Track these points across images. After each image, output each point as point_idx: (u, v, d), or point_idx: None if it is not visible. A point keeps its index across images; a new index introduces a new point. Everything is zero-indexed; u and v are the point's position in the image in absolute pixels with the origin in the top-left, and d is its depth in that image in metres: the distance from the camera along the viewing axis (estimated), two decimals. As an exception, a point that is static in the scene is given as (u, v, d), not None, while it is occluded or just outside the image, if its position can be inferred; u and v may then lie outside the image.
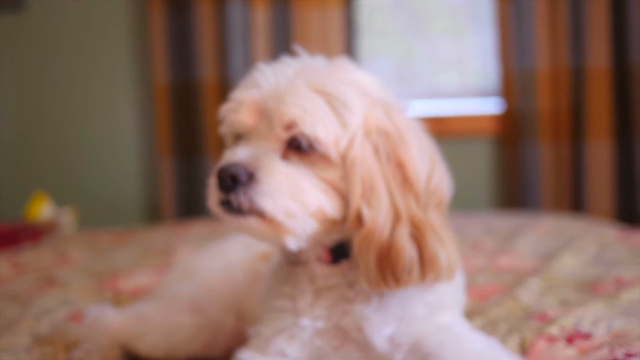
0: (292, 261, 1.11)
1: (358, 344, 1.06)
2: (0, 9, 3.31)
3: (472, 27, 3.40)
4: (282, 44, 3.11)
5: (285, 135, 1.01)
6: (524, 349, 1.21)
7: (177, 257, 2.04)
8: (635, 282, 1.52)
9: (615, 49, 2.97)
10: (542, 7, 3.02)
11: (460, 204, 3.19)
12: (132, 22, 3.29)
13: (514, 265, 1.84)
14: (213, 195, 1.02)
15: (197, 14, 3.10)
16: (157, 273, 1.92)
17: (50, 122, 3.33)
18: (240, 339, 1.25)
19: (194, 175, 3.14)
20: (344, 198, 1.02)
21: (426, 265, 1.00)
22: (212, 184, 1.02)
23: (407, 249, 0.99)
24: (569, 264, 1.78)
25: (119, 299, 1.70)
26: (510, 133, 3.12)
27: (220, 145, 3.06)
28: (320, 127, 1.00)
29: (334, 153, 1.01)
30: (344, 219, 1.03)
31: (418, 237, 1.00)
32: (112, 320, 1.36)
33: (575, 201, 3.04)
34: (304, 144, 1.00)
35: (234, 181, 0.98)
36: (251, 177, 0.98)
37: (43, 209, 2.94)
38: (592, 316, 1.27)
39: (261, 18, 3.09)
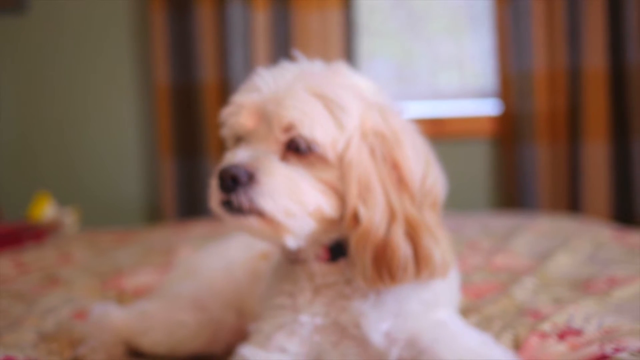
0: (292, 259, 1.14)
1: (356, 339, 1.09)
2: (2, 10, 3.34)
3: (470, 28, 3.43)
4: (282, 46, 3.14)
5: (284, 138, 1.05)
6: (517, 345, 1.24)
7: (179, 257, 2.07)
8: (627, 280, 1.55)
9: (612, 51, 3.00)
10: (539, 8, 3.04)
11: (459, 204, 3.23)
12: (134, 24, 3.31)
13: (509, 265, 1.87)
14: (214, 196, 1.05)
15: (198, 15, 3.12)
16: (159, 272, 1.95)
17: (53, 123, 3.36)
18: (241, 336, 1.27)
19: (194, 175, 3.17)
20: (341, 198, 1.05)
21: (421, 263, 1.03)
22: (213, 184, 1.05)
23: (402, 247, 1.02)
24: (564, 263, 1.82)
25: (122, 298, 1.73)
26: (508, 134, 3.15)
27: (221, 146, 3.09)
28: (317, 129, 1.03)
29: (331, 154, 1.04)
30: (342, 218, 1.06)
31: (413, 235, 1.03)
32: (116, 318, 1.39)
33: (572, 201, 3.06)
34: (302, 145, 1.04)
35: (235, 182, 1.02)
36: (251, 178, 1.02)
37: (46, 209, 2.96)
38: (584, 313, 1.30)
39: (261, 20, 3.12)
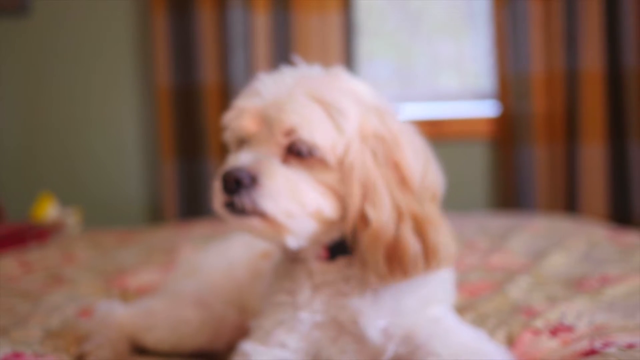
0: (292, 258, 1.18)
1: (354, 335, 1.13)
2: (5, 13, 3.37)
3: (468, 31, 3.46)
4: (282, 48, 3.16)
5: (285, 141, 1.08)
6: (510, 341, 1.28)
7: (181, 256, 2.10)
8: (619, 279, 1.59)
9: (609, 53, 3.02)
10: (537, 11, 3.07)
11: (457, 205, 3.26)
12: (135, 26, 3.35)
13: (505, 264, 1.91)
14: (217, 198, 1.09)
15: (199, 18, 3.14)
16: (162, 271, 1.99)
17: (55, 125, 3.39)
18: (242, 332, 1.30)
19: (195, 176, 3.19)
20: (341, 200, 1.09)
21: (429, 256, 1.07)
22: (216, 187, 1.09)
23: (412, 244, 1.06)
24: (558, 262, 1.85)
25: (126, 296, 1.77)
26: (506, 135, 3.17)
27: (222, 148, 3.12)
28: (317, 133, 1.07)
29: (331, 158, 1.08)
30: (341, 219, 1.10)
31: (420, 231, 1.07)
32: (120, 315, 1.43)
33: (569, 202, 3.08)
34: (303, 149, 1.07)
35: (238, 184, 1.05)
36: (254, 180, 1.05)
37: (49, 210, 2.99)
38: (576, 310, 1.34)
39: (262, 22, 3.14)
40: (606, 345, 1.10)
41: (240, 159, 1.08)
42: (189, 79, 3.18)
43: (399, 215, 1.07)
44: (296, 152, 1.08)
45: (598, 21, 3.00)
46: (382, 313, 1.11)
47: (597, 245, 2.05)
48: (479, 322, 1.38)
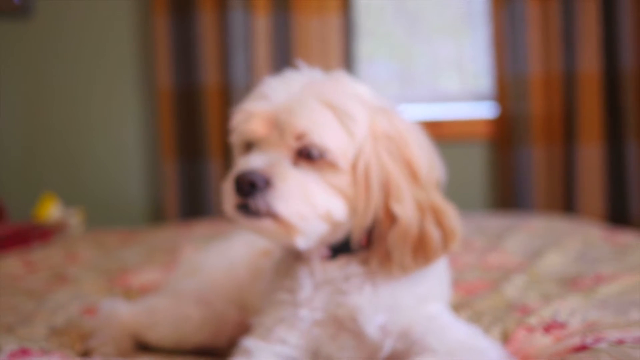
0: (294, 257, 1.21)
1: (352, 332, 1.16)
2: (8, 16, 3.40)
3: (467, 32, 3.49)
4: (283, 50, 3.19)
5: (296, 145, 1.11)
6: (505, 338, 1.31)
7: (182, 255, 2.13)
8: (612, 277, 1.62)
9: (606, 55, 3.05)
10: (535, 13, 3.10)
11: (456, 205, 3.25)
12: (136, 28, 3.37)
13: (502, 263, 1.94)
14: (229, 199, 1.11)
15: (200, 20, 3.16)
16: (163, 270, 2.02)
17: (57, 126, 3.41)
18: (243, 330, 1.33)
19: (196, 177, 3.21)
20: (349, 202, 1.12)
21: (448, 240, 1.13)
22: (228, 189, 1.11)
23: (435, 234, 1.12)
24: (554, 262, 1.88)
25: (129, 294, 1.79)
26: (504, 136, 3.19)
27: (223, 149, 3.15)
28: (329, 137, 1.10)
29: (341, 161, 1.11)
30: (348, 220, 1.13)
31: (438, 219, 1.13)
32: (124, 313, 1.46)
33: (567, 202, 3.11)
34: (315, 152, 1.10)
35: (252, 187, 1.08)
36: (267, 183, 1.08)
37: (51, 210, 3.02)
38: (569, 308, 1.37)
39: (262, 24, 3.16)
40: (597, 341, 1.13)
41: (252, 162, 1.11)
42: (190, 81, 3.20)
43: (420, 209, 1.12)
44: (306, 155, 1.11)
45: (595, 23, 3.03)
46: (380, 310, 1.15)
47: (592, 245, 2.08)
48: (475, 319, 1.41)
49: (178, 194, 3.23)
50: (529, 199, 3.14)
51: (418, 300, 1.17)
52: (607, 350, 1.07)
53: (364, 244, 1.16)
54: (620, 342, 1.10)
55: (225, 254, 1.54)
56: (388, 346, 1.15)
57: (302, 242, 1.12)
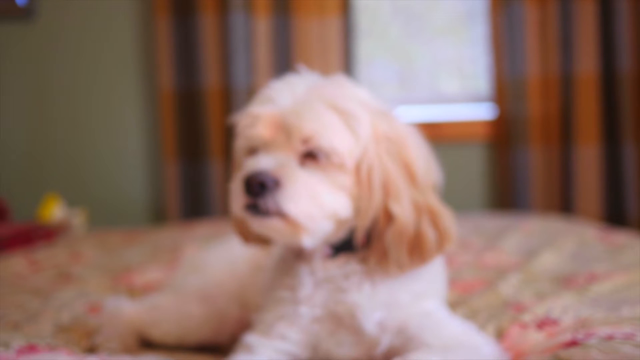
0: (296, 255, 1.24)
1: (351, 328, 1.19)
2: (11, 18, 3.43)
3: (466, 35, 3.52)
4: (283, 52, 3.21)
5: (302, 147, 1.14)
6: (499, 334, 1.35)
7: (185, 255, 2.16)
8: (605, 276, 1.65)
9: (603, 57, 3.07)
10: (533, 16, 3.11)
11: (455, 206, 3.26)
12: (139, 31, 3.40)
13: (498, 262, 1.97)
14: (238, 199, 1.15)
15: (201, 23, 3.18)
16: (166, 269, 2.05)
17: (60, 128, 3.44)
18: (244, 326, 1.36)
19: (198, 178, 3.23)
20: (354, 201, 1.16)
21: (443, 241, 1.17)
22: (237, 189, 1.15)
23: (430, 235, 1.16)
24: (549, 261, 1.92)
25: (132, 292, 1.82)
26: (503, 137, 3.21)
27: (223, 150, 3.17)
28: (336, 139, 1.13)
29: (348, 162, 1.14)
30: (351, 219, 1.17)
31: (434, 220, 1.17)
32: (128, 311, 1.49)
33: (564, 203, 3.13)
34: (321, 154, 1.14)
35: (262, 187, 1.11)
36: (277, 184, 1.11)
37: (55, 210, 3.04)
38: (562, 305, 1.41)
39: (263, 27, 3.18)
40: (588, 336, 1.16)
41: (262, 163, 1.14)
42: (191, 82, 3.22)
43: (417, 210, 1.16)
44: (312, 157, 1.14)
45: (593, 25, 3.05)
46: (378, 306, 1.18)
47: (587, 245, 2.11)
48: (471, 316, 1.45)
49: (179, 194, 3.25)
50: (526, 200, 3.16)
51: (414, 297, 1.21)
52: (596, 345, 1.10)
53: (363, 243, 1.20)
54: (610, 338, 1.13)
55: (226, 253, 1.57)
56: (385, 342, 1.18)
57: (308, 241, 1.15)
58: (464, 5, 3.48)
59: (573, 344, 1.14)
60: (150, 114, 3.41)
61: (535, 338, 1.28)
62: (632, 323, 1.21)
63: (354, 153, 1.15)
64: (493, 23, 3.18)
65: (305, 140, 1.14)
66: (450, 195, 1.29)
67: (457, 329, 1.20)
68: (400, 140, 1.18)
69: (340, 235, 1.19)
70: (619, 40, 3.04)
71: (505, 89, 3.17)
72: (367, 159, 1.16)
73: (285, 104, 1.16)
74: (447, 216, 1.18)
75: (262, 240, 1.27)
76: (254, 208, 1.13)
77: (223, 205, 3.20)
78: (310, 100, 1.15)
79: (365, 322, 1.18)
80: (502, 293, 1.61)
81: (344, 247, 1.21)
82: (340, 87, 1.20)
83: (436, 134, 3.24)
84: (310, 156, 1.14)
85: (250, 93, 3.09)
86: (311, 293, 1.21)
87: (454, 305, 1.53)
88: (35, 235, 2.69)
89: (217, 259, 1.57)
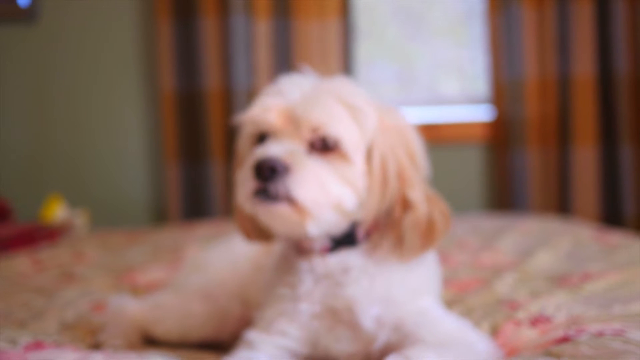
0: (296, 252, 1.27)
1: (348, 324, 1.23)
2: (14, 21, 3.46)
3: (464, 36, 3.55)
4: (283, 54, 3.23)
5: (310, 137, 1.18)
6: (494, 331, 1.38)
7: (186, 254, 2.19)
8: (599, 275, 1.68)
9: (600, 59, 3.11)
10: (530, 18, 3.15)
11: (453, 206, 3.29)
12: (140, 33, 3.43)
13: (494, 262, 2.00)
14: (247, 185, 1.17)
15: (202, 25, 3.21)
16: (168, 268, 2.08)
17: (63, 130, 3.46)
18: (245, 324, 1.39)
19: (198, 179, 3.25)
20: (358, 193, 1.19)
21: (447, 224, 1.23)
22: (246, 175, 1.17)
23: (440, 219, 1.22)
24: (544, 260, 1.95)
25: (136, 291, 1.85)
26: (501, 139, 3.24)
27: (224, 151, 3.20)
28: (343, 130, 1.18)
29: (354, 153, 1.18)
30: (355, 211, 1.20)
31: (438, 205, 1.23)
32: (132, 309, 1.52)
33: (562, 204, 3.16)
34: (329, 144, 1.17)
35: (273, 172, 1.14)
36: (286, 169, 1.15)
37: (57, 211, 3.07)
38: (556, 303, 1.44)
39: (263, 29, 3.21)
40: (579, 333, 1.19)
41: (272, 149, 1.17)
42: (192, 84, 3.24)
43: (428, 198, 1.22)
44: (319, 148, 1.18)
45: (590, 27, 3.08)
46: (375, 302, 1.22)
47: (582, 245, 2.14)
48: (466, 314, 1.48)
49: (180, 195, 3.28)
50: (524, 201, 3.19)
51: (411, 293, 1.24)
52: (587, 341, 1.14)
53: (368, 234, 1.23)
54: (600, 334, 1.16)
55: (228, 252, 1.60)
56: (382, 337, 1.21)
57: (313, 229, 1.18)
58: (462, 6, 3.50)
59: (564, 340, 1.18)
60: (152, 116, 3.44)
61: (529, 335, 1.32)
62: (622, 320, 1.24)
63: (360, 144, 1.19)
64: (491, 24, 3.21)
65: (314, 129, 1.17)
66: (449, 195, 1.33)
67: (452, 326, 1.23)
68: (405, 132, 1.23)
69: (343, 226, 1.22)
70: (615, 43, 3.07)
71: (503, 91, 3.20)
72: (379, 148, 1.20)
73: (294, 97, 1.21)
74: (443, 203, 1.24)
75: (265, 236, 1.30)
76: (263, 194, 1.16)
77: (223, 206, 3.23)
78: (319, 93, 1.20)
79: (363, 317, 1.21)
80: (497, 292, 1.65)
81: (343, 241, 1.24)
82: (345, 84, 1.24)
83: (435, 136, 3.27)
84: (317, 147, 1.18)
85: (251, 95, 3.12)
86: (310, 290, 1.24)
87: (451, 303, 1.57)
88: (38, 235, 2.72)
89: (219, 258, 1.60)
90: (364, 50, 3.47)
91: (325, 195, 1.16)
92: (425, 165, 1.26)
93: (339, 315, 1.23)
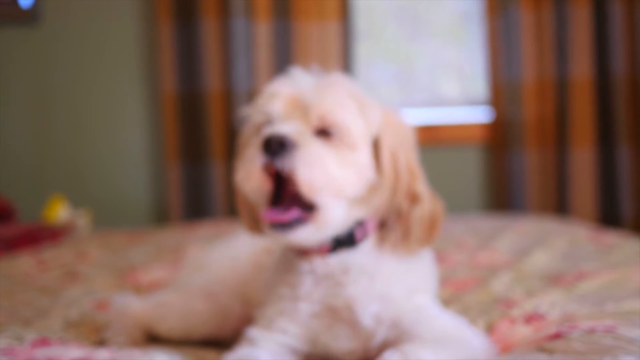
0: (297, 252, 1.30)
1: (347, 322, 1.25)
2: (16, 23, 3.49)
3: (463, 38, 3.57)
4: (283, 56, 3.25)
5: (317, 123, 1.21)
6: (489, 329, 1.41)
7: (188, 254, 2.22)
8: (593, 274, 1.71)
9: (598, 61, 3.14)
10: (529, 21, 3.17)
11: (452, 207, 3.31)
12: (141, 35, 3.45)
13: (491, 261, 2.03)
14: (255, 161, 1.18)
15: (203, 27, 3.23)
16: (170, 267, 2.11)
17: (65, 131, 3.48)
18: (246, 322, 1.41)
19: (200, 180, 3.27)
20: (362, 180, 1.22)
21: (443, 221, 1.28)
22: (253, 153, 1.19)
23: (441, 212, 1.27)
24: (540, 260, 1.98)
25: (139, 290, 1.88)
26: (499, 140, 3.27)
27: (225, 152, 3.23)
28: (350, 119, 1.21)
29: (359, 142, 1.22)
30: (359, 204, 1.23)
31: (440, 203, 1.28)
32: (135, 307, 1.55)
33: (560, 205, 3.19)
34: (335, 131, 1.20)
35: (281, 146, 1.17)
36: (294, 146, 1.17)
37: (60, 212, 3.09)
38: (550, 301, 1.47)
39: (263, 31, 3.23)
40: (571, 329, 1.23)
41: (282, 127, 1.19)
42: (193, 86, 3.27)
43: (431, 192, 1.26)
44: (326, 135, 1.21)
45: (588, 30, 3.11)
46: (374, 299, 1.25)
47: (577, 245, 2.16)
48: (462, 312, 1.51)
49: (182, 195, 3.30)
50: (522, 201, 3.21)
51: (408, 291, 1.27)
52: (579, 337, 1.17)
53: (376, 230, 1.27)
54: (592, 331, 1.19)
55: (229, 252, 1.63)
56: (380, 335, 1.24)
57: (324, 232, 1.21)
58: (462, 8, 3.53)
59: (557, 336, 1.21)
60: (153, 117, 3.46)
61: (523, 332, 1.35)
62: (614, 317, 1.27)
63: (366, 137, 1.22)
64: (489, 26, 3.24)
65: (322, 117, 1.20)
66: (448, 196, 1.37)
67: (448, 323, 1.27)
68: (406, 128, 1.28)
69: (350, 223, 1.24)
70: (613, 44, 3.10)
71: (502, 92, 3.22)
72: (387, 144, 1.23)
73: (302, 84, 1.24)
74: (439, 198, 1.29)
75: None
76: (280, 227, 1.19)
77: (224, 206, 3.26)
78: (328, 83, 1.24)
79: (362, 314, 1.24)
80: (493, 290, 1.68)
81: (343, 241, 1.26)
82: (349, 80, 1.28)
83: (435, 137, 3.30)
84: (323, 133, 1.21)
85: (251, 96, 3.14)
86: (310, 290, 1.27)
87: (447, 302, 1.60)
88: (41, 235, 2.74)
89: (220, 258, 1.62)
90: (364, 51, 3.49)
91: (327, 177, 1.18)
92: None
93: (339, 314, 1.26)
